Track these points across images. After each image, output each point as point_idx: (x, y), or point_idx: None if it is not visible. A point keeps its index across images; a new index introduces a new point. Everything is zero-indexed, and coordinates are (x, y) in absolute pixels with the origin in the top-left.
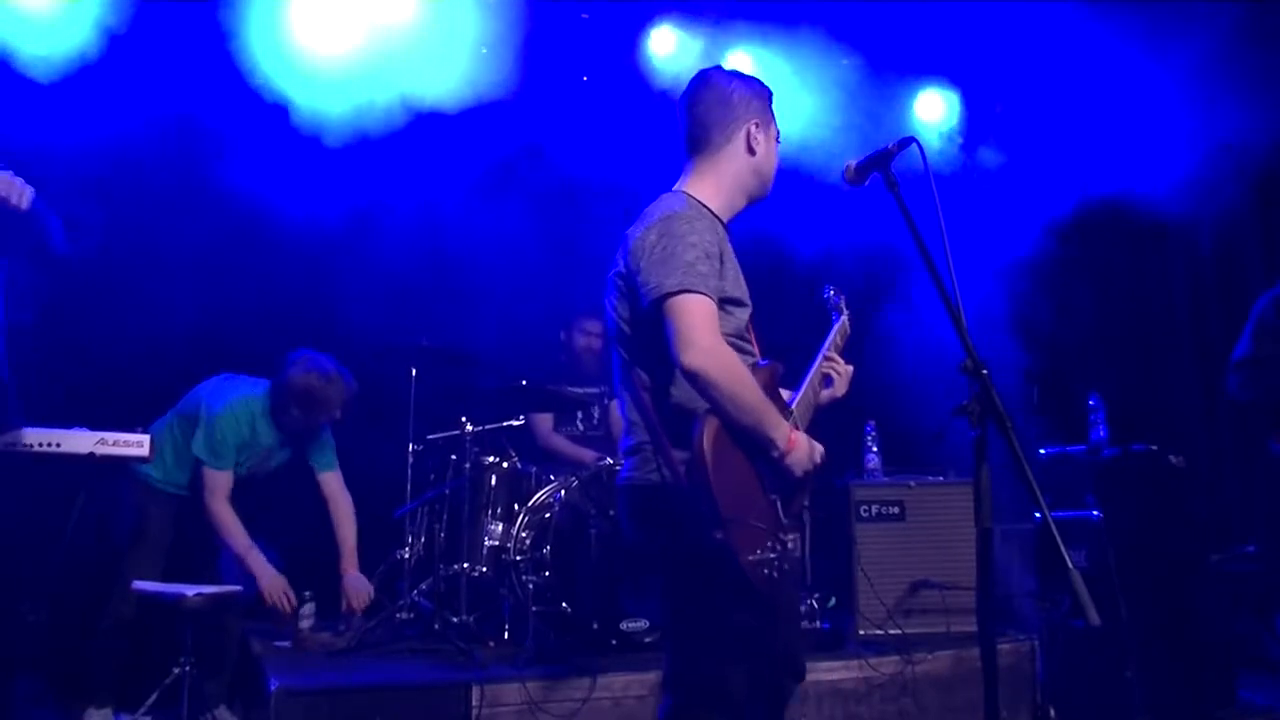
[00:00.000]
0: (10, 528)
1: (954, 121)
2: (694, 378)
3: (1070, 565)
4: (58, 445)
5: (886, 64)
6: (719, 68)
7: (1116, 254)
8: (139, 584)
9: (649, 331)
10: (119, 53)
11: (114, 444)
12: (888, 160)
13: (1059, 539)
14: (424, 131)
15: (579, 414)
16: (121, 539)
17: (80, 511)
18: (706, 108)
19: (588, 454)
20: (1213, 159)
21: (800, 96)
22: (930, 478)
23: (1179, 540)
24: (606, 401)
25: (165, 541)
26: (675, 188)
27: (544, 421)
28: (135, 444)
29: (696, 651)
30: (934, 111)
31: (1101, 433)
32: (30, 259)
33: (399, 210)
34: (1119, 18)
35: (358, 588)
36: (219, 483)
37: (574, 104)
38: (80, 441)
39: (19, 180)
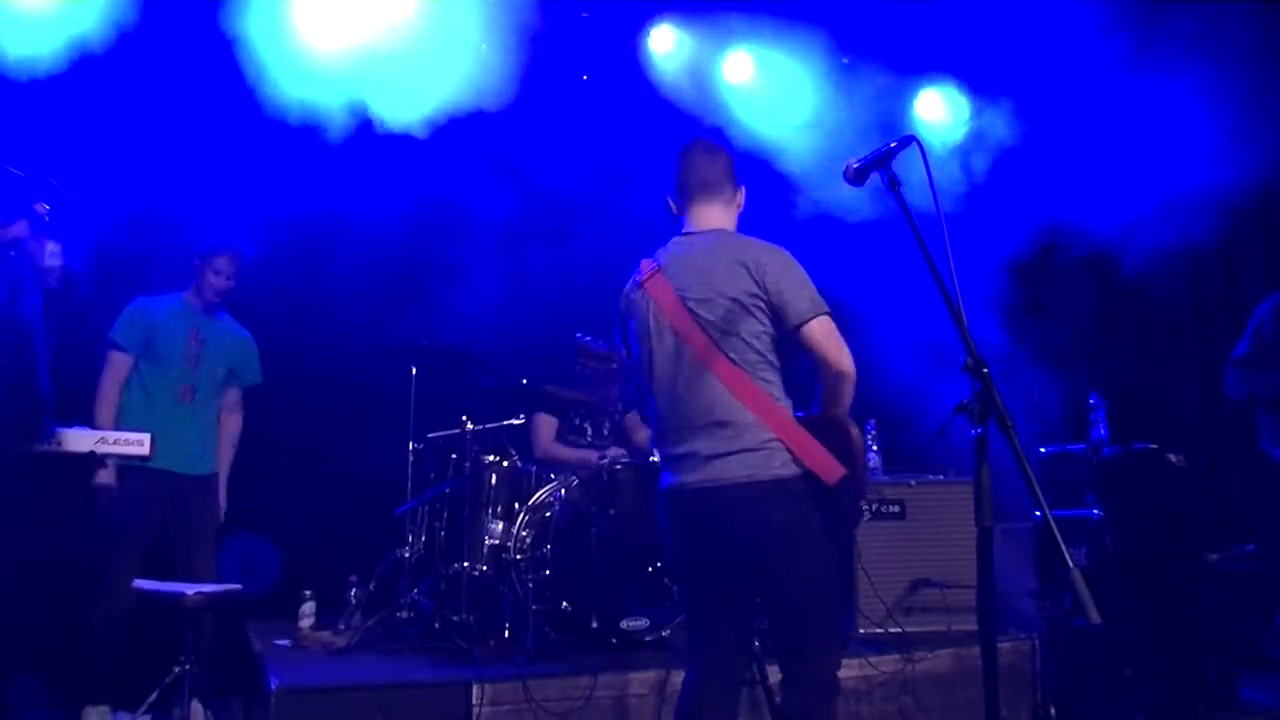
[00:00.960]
0: (10, 527)
1: (958, 121)
2: (844, 378)
3: (1070, 564)
4: (58, 444)
5: (886, 63)
6: (714, 135)
7: (1117, 254)
8: (139, 582)
9: (790, 344)
10: (118, 50)
11: (114, 442)
12: (888, 160)
13: (1059, 538)
14: (423, 131)
15: (588, 428)
16: (117, 534)
17: (80, 511)
18: (722, 165)
19: (592, 454)
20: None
21: (799, 95)
22: (930, 476)
23: (1179, 540)
24: (619, 418)
25: (146, 529)
26: (707, 227)
27: (547, 426)
28: (136, 442)
29: (834, 629)
30: (935, 111)
31: (1102, 431)
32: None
33: (398, 209)
34: (1123, 20)
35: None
36: (117, 364)
37: (574, 103)
38: (81, 440)
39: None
